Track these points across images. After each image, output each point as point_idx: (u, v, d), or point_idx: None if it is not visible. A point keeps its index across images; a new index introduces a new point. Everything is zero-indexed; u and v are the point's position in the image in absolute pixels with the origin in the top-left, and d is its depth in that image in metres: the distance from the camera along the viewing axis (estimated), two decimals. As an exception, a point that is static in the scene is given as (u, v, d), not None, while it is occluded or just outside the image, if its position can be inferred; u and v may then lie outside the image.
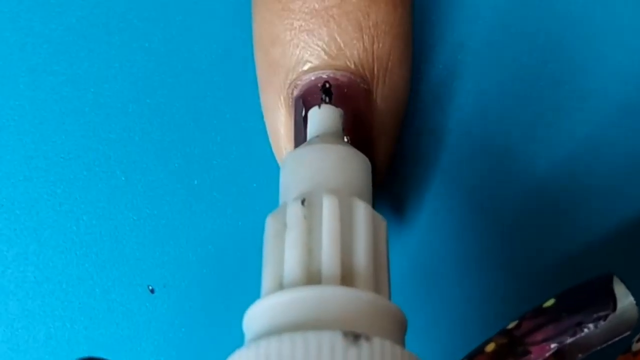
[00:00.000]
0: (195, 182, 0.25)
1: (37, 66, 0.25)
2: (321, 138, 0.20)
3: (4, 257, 0.25)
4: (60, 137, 0.25)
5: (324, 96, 0.22)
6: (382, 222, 0.19)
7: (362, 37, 0.21)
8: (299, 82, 0.22)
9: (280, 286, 0.17)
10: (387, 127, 0.22)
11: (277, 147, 0.23)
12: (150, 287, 0.25)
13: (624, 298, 0.19)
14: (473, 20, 0.25)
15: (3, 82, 0.25)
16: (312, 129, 0.21)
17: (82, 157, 0.25)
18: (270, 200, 0.25)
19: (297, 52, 0.22)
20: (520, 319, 0.20)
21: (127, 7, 0.25)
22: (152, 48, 0.25)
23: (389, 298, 0.18)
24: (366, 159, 0.20)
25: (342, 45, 0.21)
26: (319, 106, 0.21)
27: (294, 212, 0.18)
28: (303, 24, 0.21)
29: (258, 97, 0.25)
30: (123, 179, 0.25)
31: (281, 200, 0.19)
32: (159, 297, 0.25)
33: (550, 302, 0.20)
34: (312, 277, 0.17)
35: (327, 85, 0.22)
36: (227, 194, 0.25)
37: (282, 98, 0.22)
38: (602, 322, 0.19)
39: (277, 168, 0.25)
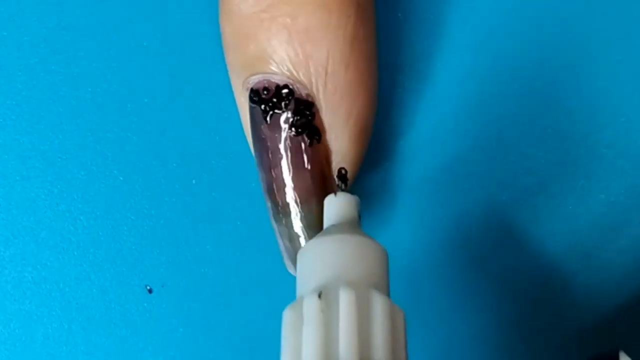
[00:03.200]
0: (194, 182, 0.25)
1: (34, 65, 0.25)
2: (338, 227, 0.20)
3: (1, 257, 0.25)
4: (58, 136, 0.25)
5: (339, 182, 0.22)
6: (400, 313, 0.19)
7: (292, 42, 0.21)
8: (248, 86, 0.22)
9: None
10: (340, 131, 0.22)
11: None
12: (148, 287, 0.25)
13: None
14: (472, 20, 0.25)
15: (0, 82, 0.25)
16: (328, 216, 0.21)
17: (79, 156, 0.25)
18: (269, 200, 0.25)
19: (238, 57, 0.22)
20: None
21: (125, 7, 0.25)
22: (150, 47, 0.25)
23: None
24: (383, 249, 0.20)
25: (273, 49, 0.21)
26: (335, 194, 0.21)
27: (311, 306, 0.18)
28: (241, 29, 0.22)
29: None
30: (121, 178, 0.25)
31: (298, 291, 0.19)
32: (157, 297, 0.25)
33: None
34: None
35: (344, 171, 0.22)
36: (226, 194, 0.25)
37: (242, 100, 0.23)
38: None
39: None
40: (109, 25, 0.25)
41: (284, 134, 0.22)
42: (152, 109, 0.25)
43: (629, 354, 0.20)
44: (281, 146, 0.22)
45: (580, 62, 0.25)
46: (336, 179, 0.22)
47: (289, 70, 0.21)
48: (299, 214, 0.22)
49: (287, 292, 0.24)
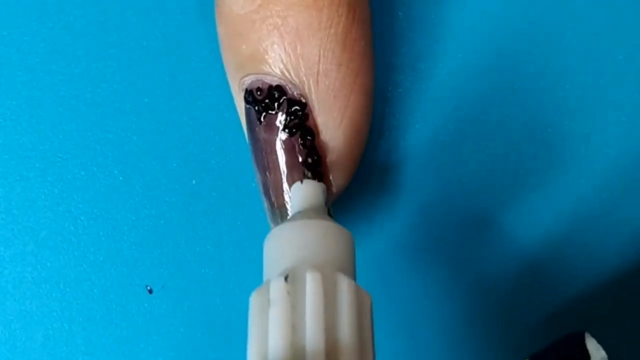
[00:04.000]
0: (194, 182, 0.25)
1: (34, 65, 0.25)
2: (303, 213, 0.20)
3: (1, 257, 0.25)
4: (58, 136, 0.25)
5: (306, 171, 0.22)
6: (367, 296, 0.19)
7: (283, 42, 0.21)
8: (242, 85, 0.22)
9: None
10: (334, 131, 0.22)
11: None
12: (149, 288, 0.25)
13: (595, 353, 0.20)
14: (473, 20, 0.25)
15: (0, 82, 0.25)
16: (295, 204, 0.21)
17: (79, 157, 0.25)
18: (269, 201, 0.25)
19: (233, 58, 0.22)
20: None
21: (124, 6, 0.25)
22: (150, 47, 0.25)
23: None
24: (349, 234, 0.20)
25: (265, 49, 0.21)
26: (301, 181, 0.21)
27: (277, 288, 0.18)
28: (233, 29, 0.22)
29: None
30: (121, 179, 0.25)
31: (265, 276, 0.19)
32: (157, 297, 0.25)
33: None
34: (296, 354, 0.17)
35: (310, 160, 0.22)
36: (226, 194, 0.25)
37: (238, 96, 0.23)
38: None
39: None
40: (109, 25, 0.25)
41: (277, 135, 0.22)
42: (152, 109, 0.25)
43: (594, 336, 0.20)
44: (275, 147, 0.22)
45: (581, 62, 0.25)
46: (305, 168, 0.22)
47: (280, 70, 0.21)
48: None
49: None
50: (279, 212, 0.22)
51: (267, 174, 0.22)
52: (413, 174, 0.25)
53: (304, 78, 0.21)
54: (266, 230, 0.24)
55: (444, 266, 0.25)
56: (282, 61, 0.21)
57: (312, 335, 0.17)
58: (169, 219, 0.25)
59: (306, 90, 0.21)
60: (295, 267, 0.18)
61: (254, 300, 0.18)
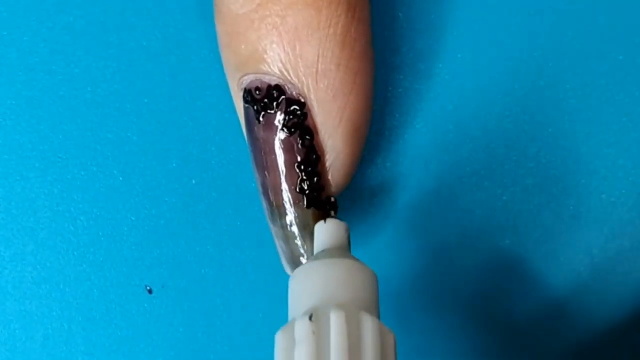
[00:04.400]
0: (194, 181, 0.25)
1: (34, 65, 0.25)
2: (327, 252, 0.20)
3: (1, 257, 0.25)
4: (58, 136, 0.25)
5: (328, 209, 0.22)
6: (390, 335, 0.19)
7: (282, 41, 0.21)
8: (241, 85, 0.22)
9: None
10: (332, 131, 0.22)
11: None
12: (149, 288, 0.25)
13: None
14: (473, 19, 0.25)
15: (0, 81, 0.25)
16: (318, 242, 0.21)
17: (79, 157, 0.25)
18: (269, 201, 0.25)
19: (232, 57, 0.22)
20: None
21: (124, 6, 0.25)
22: (149, 47, 0.25)
23: None
24: (373, 273, 0.20)
25: (264, 49, 0.21)
26: (325, 220, 0.21)
27: (302, 328, 0.18)
28: (232, 29, 0.22)
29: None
30: (121, 179, 0.25)
31: (290, 314, 0.20)
32: (157, 297, 0.25)
33: None
34: None
35: (333, 199, 0.22)
36: (226, 194, 0.25)
37: (237, 96, 0.23)
38: None
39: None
40: (109, 25, 0.25)
41: (276, 134, 0.22)
42: (152, 109, 0.25)
43: None
44: (274, 146, 0.22)
45: (582, 61, 0.25)
46: (326, 207, 0.22)
47: (279, 69, 0.21)
48: (293, 215, 0.22)
49: (286, 292, 0.24)
50: (277, 211, 0.22)
51: (266, 173, 0.22)
52: (413, 173, 0.25)
53: (303, 77, 0.21)
54: (267, 231, 0.24)
55: (443, 266, 0.25)
56: (280, 60, 0.21)
57: None
58: (169, 219, 0.25)
59: (305, 89, 0.21)
60: (320, 306, 0.18)
61: (279, 339, 0.19)
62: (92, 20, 0.25)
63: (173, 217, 0.25)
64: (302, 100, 0.21)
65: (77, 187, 0.25)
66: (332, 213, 0.22)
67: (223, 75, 0.23)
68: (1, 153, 0.25)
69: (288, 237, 0.22)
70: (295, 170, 0.22)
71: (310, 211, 0.22)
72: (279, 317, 0.24)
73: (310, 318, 0.18)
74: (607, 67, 0.25)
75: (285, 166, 0.22)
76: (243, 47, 0.21)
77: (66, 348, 0.24)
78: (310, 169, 0.22)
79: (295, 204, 0.22)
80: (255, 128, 0.22)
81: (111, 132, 0.25)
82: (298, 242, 0.22)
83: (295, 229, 0.22)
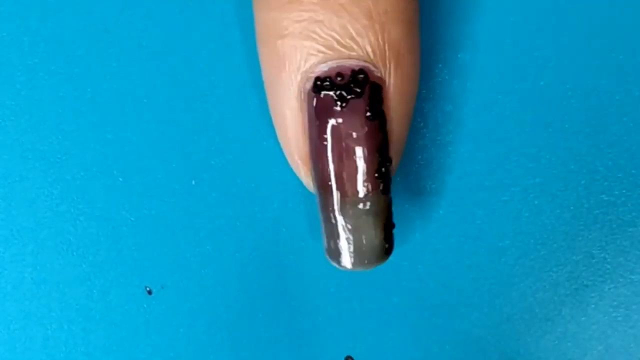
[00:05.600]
0: (194, 182, 0.25)
1: (34, 65, 0.25)
2: None
3: (1, 258, 0.25)
4: (58, 137, 0.25)
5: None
6: None
7: (373, 25, 0.21)
8: (310, 75, 0.22)
9: None
10: (399, 115, 0.22)
11: (287, 142, 0.23)
12: (148, 288, 0.25)
13: None
14: (473, 19, 0.25)
15: (0, 82, 0.25)
16: None
17: (79, 157, 0.25)
18: (269, 201, 0.25)
19: (308, 44, 0.21)
20: None
21: (125, 6, 0.25)
22: (150, 47, 0.25)
23: None
24: None
25: (353, 33, 0.21)
26: None
27: None
28: (313, 15, 0.21)
29: (257, 97, 0.25)
30: (121, 179, 0.25)
31: None
32: (156, 298, 0.25)
33: None
34: None
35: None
36: (226, 195, 0.25)
37: (292, 92, 0.22)
38: None
39: (276, 168, 0.25)
40: (109, 25, 0.25)
41: (361, 120, 0.21)
42: (151, 109, 0.25)
43: None
44: (358, 132, 0.21)
45: (582, 61, 0.25)
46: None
47: (367, 53, 0.21)
48: (368, 202, 0.22)
49: (286, 293, 0.24)
50: (350, 201, 0.22)
51: (343, 161, 0.22)
52: (412, 173, 0.25)
53: (387, 61, 0.21)
54: (266, 232, 0.24)
55: (443, 266, 0.25)
56: (370, 44, 0.21)
57: None
58: (169, 219, 0.25)
59: (386, 74, 0.21)
60: None
61: None
62: (92, 20, 0.25)
63: (173, 218, 0.25)
64: (382, 85, 0.21)
65: (77, 187, 0.25)
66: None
67: (223, 75, 0.23)
68: (1, 153, 0.25)
69: (358, 227, 0.22)
70: (376, 156, 0.21)
71: (384, 198, 0.22)
72: (279, 317, 0.24)
73: None
74: (607, 67, 0.25)
75: (368, 152, 0.21)
76: (325, 32, 0.21)
77: (66, 349, 0.24)
78: (387, 154, 0.22)
79: (373, 190, 0.22)
80: (334, 115, 0.21)
81: (111, 132, 0.25)
82: (372, 231, 0.22)
83: (370, 218, 0.22)
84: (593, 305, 0.25)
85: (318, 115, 0.22)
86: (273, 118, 0.23)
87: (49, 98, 0.25)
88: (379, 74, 0.21)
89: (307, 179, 0.23)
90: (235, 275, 0.25)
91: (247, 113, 0.25)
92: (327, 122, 0.22)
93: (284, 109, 0.22)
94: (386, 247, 0.22)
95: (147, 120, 0.25)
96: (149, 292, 0.25)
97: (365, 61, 0.21)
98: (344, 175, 0.22)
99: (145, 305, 0.25)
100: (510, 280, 0.24)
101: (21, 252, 0.25)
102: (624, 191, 0.25)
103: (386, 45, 0.21)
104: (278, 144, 0.25)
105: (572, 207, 0.25)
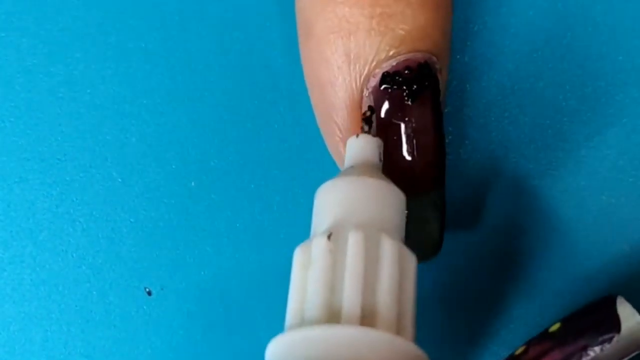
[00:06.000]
0: (193, 183, 0.25)
1: (32, 67, 0.25)
2: (356, 169, 0.20)
3: (0, 259, 0.25)
4: (57, 138, 0.25)
5: (363, 124, 0.21)
6: (411, 258, 0.18)
7: (439, 15, 0.21)
8: (377, 71, 0.21)
9: (302, 321, 0.17)
10: (443, 105, 0.22)
11: (338, 142, 0.22)
12: (148, 289, 0.25)
13: (630, 318, 0.19)
14: (473, 20, 0.25)
15: (-1, 83, 0.25)
16: (349, 158, 0.20)
17: (78, 158, 0.25)
18: (268, 202, 0.25)
19: (380, 40, 0.21)
20: (527, 344, 0.20)
21: (123, 8, 0.25)
22: (148, 49, 0.25)
23: (413, 339, 0.18)
24: (400, 193, 0.19)
25: (424, 25, 0.21)
26: (357, 135, 0.20)
27: (319, 246, 0.18)
28: (386, 10, 0.21)
29: (256, 98, 0.25)
30: (120, 180, 0.25)
31: (312, 230, 0.19)
32: (156, 299, 0.25)
33: (556, 327, 0.20)
34: (332, 316, 0.17)
35: (368, 113, 0.21)
36: (225, 196, 0.25)
37: (354, 93, 0.22)
38: (607, 345, 0.19)
39: (276, 168, 0.25)
40: (108, 26, 0.25)
41: (431, 111, 0.21)
42: (150, 111, 0.25)
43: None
44: (429, 124, 0.21)
45: (581, 62, 0.25)
46: (362, 122, 0.21)
47: (436, 46, 0.21)
48: (434, 196, 0.21)
49: (286, 293, 0.24)
50: (421, 199, 0.21)
51: (414, 158, 0.21)
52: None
53: (444, 53, 0.21)
54: (266, 232, 0.24)
55: (442, 267, 0.25)
56: (433, 36, 0.21)
57: (349, 296, 0.17)
58: (168, 220, 0.25)
59: (443, 66, 0.21)
60: (339, 225, 0.18)
61: (297, 256, 0.18)
62: (90, 22, 0.25)
63: (172, 219, 0.25)
64: (439, 77, 0.21)
65: (76, 189, 0.25)
66: (367, 128, 0.21)
67: (222, 76, 0.23)
68: (0, 155, 0.25)
69: (423, 220, 0.22)
70: (441, 150, 0.21)
71: (443, 192, 0.22)
72: (279, 318, 0.24)
73: (328, 237, 0.18)
74: (607, 68, 0.25)
75: (435, 146, 0.21)
76: (401, 26, 0.21)
77: (65, 350, 0.24)
78: (445, 148, 0.21)
79: (439, 183, 0.21)
80: (404, 109, 0.21)
81: (110, 134, 0.25)
82: (435, 224, 0.22)
83: (434, 211, 0.22)
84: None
85: (388, 112, 0.21)
86: (321, 117, 0.23)
87: (47, 99, 0.25)
88: (438, 66, 0.21)
89: None
90: (235, 276, 0.25)
91: (246, 114, 0.25)
92: (395, 118, 0.21)
93: (340, 109, 0.22)
94: (441, 242, 0.22)
95: (146, 122, 0.25)
96: (149, 293, 0.25)
97: (431, 52, 0.21)
98: (415, 168, 0.21)
99: (144, 307, 0.25)
100: (509, 283, 0.24)
101: (20, 253, 0.25)
102: (623, 192, 0.25)
103: (445, 35, 0.21)
104: (277, 144, 0.25)
105: (571, 209, 0.24)
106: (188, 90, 0.25)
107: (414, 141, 0.21)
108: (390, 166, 0.21)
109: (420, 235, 0.21)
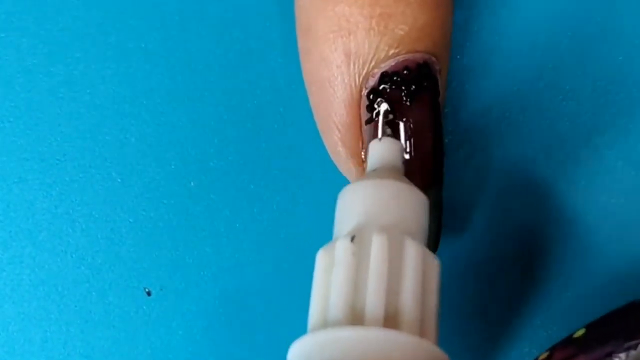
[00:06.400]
0: (192, 183, 0.25)
1: (32, 67, 0.25)
2: (378, 172, 0.20)
3: (-1, 259, 0.25)
4: (56, 138, 0.25)
5: (386, 128, 0.21)
6: (435, 262, 0.18)
7: (439, 15, 0.21)
8: (375, 71, 0.21)
9: (325, 323, 0.18)
10: (442, 110, 0.22)
11: (337, 142, 0.22)
12: (147, 290, 0.25)
13: None
14: (472, 20, 0.25)
15: (-2, 83, 0.25)
16: (371, 162, 0.20)
17: (77, 158, 0.25)
18: (268, 203, 0.25)
19: (379, 39, 0.21)
20: (551, 350, 0.20)
21: (123, 8, 0.25)
22: (148, 49, 0.25)
23: (436, 341, 0.18)
24: (423, 197, 0.19)
25: (424, 25, 0.21)
26: (380, 138, 0.20)
27: (342, 248, 0.18)
28: (386, 10, 0.21)
29: (256, 98, 0.25)
30: (119, 180, 0.25)
31: (335, 233, 0.19)
32: (155, 299, 0.25)
33: (580, 332, 0.20)
34: (355, 317, 0.17)
35: (390, 116, 0.21)
36: (224, 196, 0.25)
37: (353, 92, 0.22)
38: (632, 352, 0.19)
39: (275, 168, 0.25)
40: (108, 27, 0.25)
41: (430, 112, 0.21)
42: (150, 111, 0.25)
43: None
44: (428, 125, 0.21)
45: (581, 63, 0.25)
46: (383, 125, 0.21)
47: (435, 46, 0.21)
48: (431, 196, 0.21)
49: (285, 294, 0.24)
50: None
51: (411, 157, 0.21)
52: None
53: (444, 53, 0.21)
54: (265, 233, 0.24)
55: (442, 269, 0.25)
56: (433, 36, 0.21)
57: (372, 298, 0.17)
58: (167, 221, 0.25)
59: (442, 65, 0.21)
60: (363, 228, 0.18)
61: (320, 258, 0.18)
62: (90, 22, 0.25)
63: (172, 219, 0.25)
64: (438, 77, 0.21)
65: (76, 189, 0.25)
66: (389, 131, 0.21)
67: (222, 76, 0.23)
68: (0, 155, 0.25)
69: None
70: (439, 150, 0.21)
71: (441, 192, 0.22)
72: (278, 318, 0.24)
73: (352, 239, 0.18)
74: (607, 69, 0.25)
75: (433, 146, 0.21)
76: (401, 27, 0.21)
77: (64, 351, 0.24)
78: (443, 148, 0.22)
79: (438, 182, 0.22)
80: (404, 110, 0.21)
81: (110, 134, 0.25)
82: (432, 223, 0.21)
83: (432, 210, 0.21)
84: (594, 309, 0.25)
85: (387, 111, 0.21)
86: (320, 116, 0.23)
87: (47, 100, 0.25)
88: (438, 67, 0.21)
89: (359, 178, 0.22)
90: (234, 277, 0.25)
91: (246, 114, 0.25)
92: (396, 117, 0.21)
93: (339, 108, 0.22)
94: (438, 241, 0.22)
95: (145, 122, 0.25)
96: (148, 294, 0.25)
97: (430, 53, 0.21)
98: (409, 169, 0.21)
99: (144, 307, 0.25)
100: (509, 284, 0.24)
101: (20, 253, 0.25)
102: (623, 193, 0.25)
103: (444, 35, 0.21)
104: (277, 145, 0.25)
105: (571, 209, 0.24)
106: (188, 90, 0.25)
107: (412, 141, 0.21)
108: None
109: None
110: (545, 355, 0.20)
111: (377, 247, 0.18)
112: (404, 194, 0.19)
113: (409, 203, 0.19)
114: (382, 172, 0.20)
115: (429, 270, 0.18)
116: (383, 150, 0.20)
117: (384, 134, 0.21)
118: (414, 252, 0.18)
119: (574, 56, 0.25)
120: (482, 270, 0.24)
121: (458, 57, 0.25)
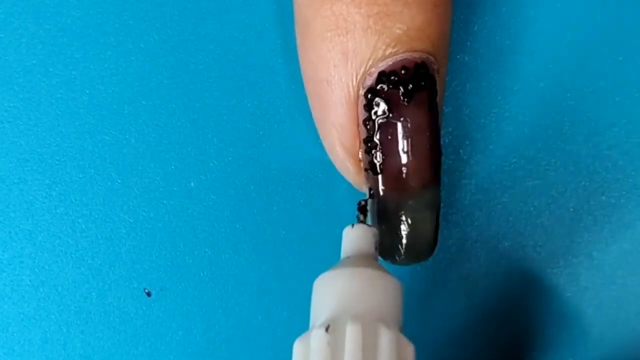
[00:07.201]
0: (192, 184, 0.25)
1: (31, 67, 0.25)
2: (352, 260, 0.20)
3: (-1, 260, 0.25)
4: (56, 139, 0.25)
5: (359, 214, 0.21)
6: (409, 347, 0.19)
7: (438, 14, 0.21)
8: (373, 70, 0.21)
9: None
10: (440, 109, 0.22)
11: (335, 141, 0.22)
12: (147, 290, 0.25)
13: None
14: (473, 20, 0.25)
15: (-2, 84, 0.25)
16: (345, 248, 0.21)
17: (77, 159, 0.25)
18: (267, 203, 0.25)
19: (376, 39, 0.21)
20: None
21: (122, 8, 0.25)
22: (147, 49, 0.25)
23: None
24: (396, 282, 0.20)
25: (421, 25, 0.21)
26: (353, 225, 0.21)
27: (317, 338, 0.18)
28: (384, 9, 0.21)
29: (255, 98, 0.25)
30: (119, 181, 0.25)
31: (311, 322, 0.20)
32: (155, 300, 0.25)
33: None
34: None
35: (363, 202, 0.22)
36: (224, 197, 0.25)
37: (350, 91, 0.21)
38: None
39: (275, 168, 0.25)
40: (107, 27, 0.25)
41: (426, 112, 0.21)
42: (149, 111, 0.25)
43: None
44: (424, 125, 0.21)
45: (581, 63, 0.25)
46: (357, 212, 0.22)
47: (433, 45, 0.21)
48: (428, 196, 0.21)
49: (285, 294, 0.24)
50: (414, 196, 0.21)
51: (408, 157, 0.21)
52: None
53: (442, 53, 0.21)
54: (265, 233, 0.24)
55: (442, 269, 0.25)
56: (431, 36, 0.21)
57: None
58: (167, 221, 0.25)
59: (440, 66, 0.21)
60: (337, 317, 0.19)
61: (297, 348, 0.19)
62: (89, 22, 0.25)
63: (171, 220, 0.25)
64: (436, 77, 0.21)
65: (75, 189, 0.25)
66: (362, 217, 0.22)
67: (221, 76, 0.23)
68: (-1, 155, 0.25)
69: (417, 221, 0.21)
70: (437, 150, 0.21)
71: (438, 192, 0.22)
72: (278, 319, 0.24)
73: (326, 329, 0.18)
74: (607, 69, 0.25)
75: (430, 146, 0.21)
76: (398, 26, 0.21)
77: (64, 351, 0.24)
78: (440, 148, 0.21)
79: (434, 182, 0.21)
80: (399, 110, 0.21)
81: (109, 134, 0.25)
82: (429, 224, 0.22)
83: (428, 210, 0.22)
84: (592, 308, 0.25)
85: (384, 110, 0.21)
86: (318, 116, 0.23)
87: (46, 100, 0.25)
88: (435, 67, 0.21)
89: (356, 178, 0.22)
90: (234, 278, 0.25)
91: (245, 115, 0.25)
92: (394, 117, 0.21)
93: (336, 107, 0.22)
94: (435, 242, 0.22)
95: (145, 122, 0.25)
96: (148, 294, 0.25)
97: (428, 52, 0.21)
98: (409, 169, 0.21)
99: (144, 308, 0.25)
100: (509, 283, 0.24)
101: (19, 254, 0.25)
102: (623, 193, 0.25)
103: (443, 35, 0.21)
104: (276, 145, 0.25)
105: (571, 209, 0.24)
106: (187, 90, 0.25)
107: (410, 141, 0.21)
108: (385, 166, 0.21)
109: (414, 235, 0.22)
110: None
111: (351, 336, 0.18)
112: (378, 281, 0.19)
113: (382, 290, 0.19)
114: (356, 260, 0.20)
115: (403, 354, 0.19)
116: (356, 237, 0.21)
117: (357, 219, 0.21)
118: (387, 339, 0.18)
119: (574, 56, 0.25)
120: (482, 269, 0.24)
121: (458, 56, 0.25)
